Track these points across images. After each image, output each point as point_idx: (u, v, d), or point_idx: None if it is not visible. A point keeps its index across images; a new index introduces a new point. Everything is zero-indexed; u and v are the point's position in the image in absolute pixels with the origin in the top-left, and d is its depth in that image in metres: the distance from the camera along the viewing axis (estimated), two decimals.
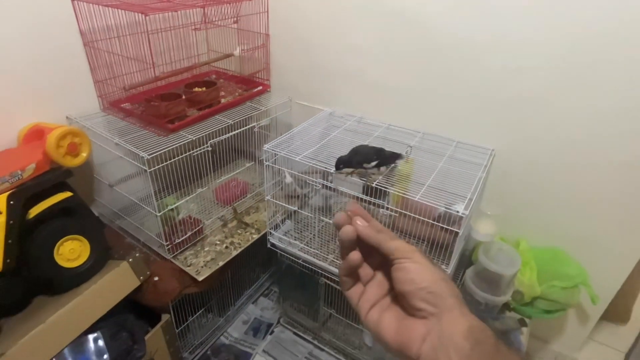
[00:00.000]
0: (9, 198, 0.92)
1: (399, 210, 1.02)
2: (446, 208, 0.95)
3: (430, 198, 0.95)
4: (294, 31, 1.42)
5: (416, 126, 1.30)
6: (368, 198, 1.05)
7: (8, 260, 0.92)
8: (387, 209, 1.04)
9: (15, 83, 1.08)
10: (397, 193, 0.98)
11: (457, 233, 0.97)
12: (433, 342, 0.33)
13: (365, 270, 0.42)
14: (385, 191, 1.01)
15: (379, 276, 0.42)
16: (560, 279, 1.17)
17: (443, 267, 1.11)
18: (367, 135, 1.30)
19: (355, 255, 0.39)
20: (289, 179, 1.21)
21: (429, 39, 1.18)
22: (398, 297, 0.39)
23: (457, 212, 0.93)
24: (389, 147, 1.26)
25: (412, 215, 1.00)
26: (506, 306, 1.20)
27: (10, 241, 0.92)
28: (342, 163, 1.03)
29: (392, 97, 1.34)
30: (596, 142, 1.06)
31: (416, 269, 0.36)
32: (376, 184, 1.00)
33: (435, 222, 1.01)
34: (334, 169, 1.03)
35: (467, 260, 1.32)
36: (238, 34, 1.40)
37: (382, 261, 0.41)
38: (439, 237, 1.06)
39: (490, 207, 1.12)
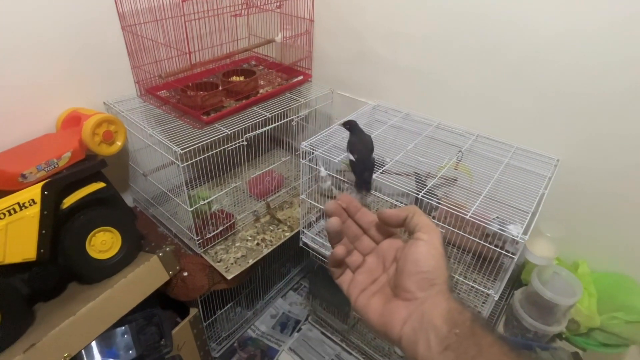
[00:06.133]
0: (43, 188, 0.91)
1: (446, 226, 0.92)
2: (500, 230, 0.84)
3: (483, 212, 0.85)
4: (340, 17, 1.31)
5: (470, 127, 1.17)
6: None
7: (42, 250, 0.92)
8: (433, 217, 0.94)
9: (55, 68, 1.06)
10: (447, 207, 0.88)
11: (511, 257, 0.86)
12: (413, 325, 0.34)
13: (354, 258, 0.43)
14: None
15: (370, 262, 0.42)
16: (624, 311, 1.03)
17: (489, 284, 1.01)
18: (414, 134, 1.19)
19: (339, 250, 0.41)
20: (323, 172, 1.14)
21: (492, 30, 1.04)
22: (393, 276, 0.39)
23: (514, 236, 0.82)
24: (438, 150, 1.15)
25: (461, 233, 0.90)
26: (558, 335, 1.08)
27: (44, 231, 0.91)
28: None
29: (444, 93, 1.21)
30: None
31: (426, 252, 0.36)
32: (422, 195, 0.91)
33: (484, 243, 0.90)
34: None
35: (514, 277, 1.20)
36: (281, 18, 1.31)
37: (374, 246, 0.43)
38: (486, 252, 0.95)
39: (550, 227, 0.98)
